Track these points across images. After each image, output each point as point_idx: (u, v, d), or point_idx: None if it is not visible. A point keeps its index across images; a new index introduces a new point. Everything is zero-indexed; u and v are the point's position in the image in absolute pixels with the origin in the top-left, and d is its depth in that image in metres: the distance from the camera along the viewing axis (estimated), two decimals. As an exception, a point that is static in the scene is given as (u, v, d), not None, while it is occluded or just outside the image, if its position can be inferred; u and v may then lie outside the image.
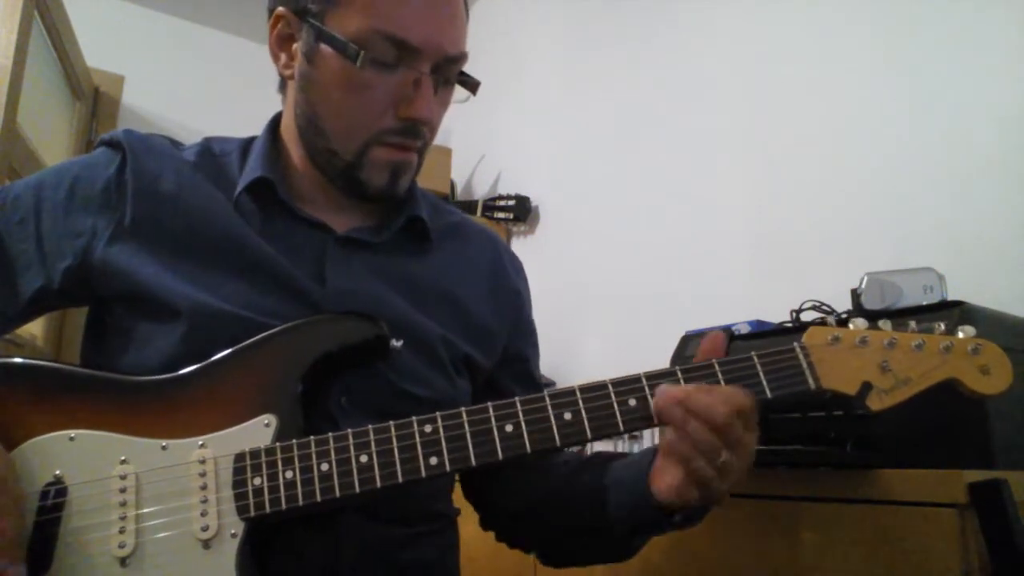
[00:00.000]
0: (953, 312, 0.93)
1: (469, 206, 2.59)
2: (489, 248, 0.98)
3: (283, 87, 0.89)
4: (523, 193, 2.52)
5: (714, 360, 0.72)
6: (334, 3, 0.78)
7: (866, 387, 0.71)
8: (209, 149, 0.88)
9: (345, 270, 0.82)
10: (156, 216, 0.80)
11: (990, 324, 0.93)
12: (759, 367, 0.72)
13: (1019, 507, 0.75)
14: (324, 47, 0.78)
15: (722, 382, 0.71)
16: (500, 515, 0.92)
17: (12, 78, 1.69)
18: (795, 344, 0.73)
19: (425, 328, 0.84)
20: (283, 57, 0.84)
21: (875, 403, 0.71)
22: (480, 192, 2.84)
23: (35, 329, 2.33)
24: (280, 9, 0.83)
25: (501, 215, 2.51)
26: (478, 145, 2.85)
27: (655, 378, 0.71)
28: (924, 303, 1.04)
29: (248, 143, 0.90)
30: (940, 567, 0.78)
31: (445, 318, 0.87)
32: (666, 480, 0.70)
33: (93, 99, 2.76)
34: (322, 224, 0.84)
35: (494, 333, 0.92)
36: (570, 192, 2.42)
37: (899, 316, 1.00)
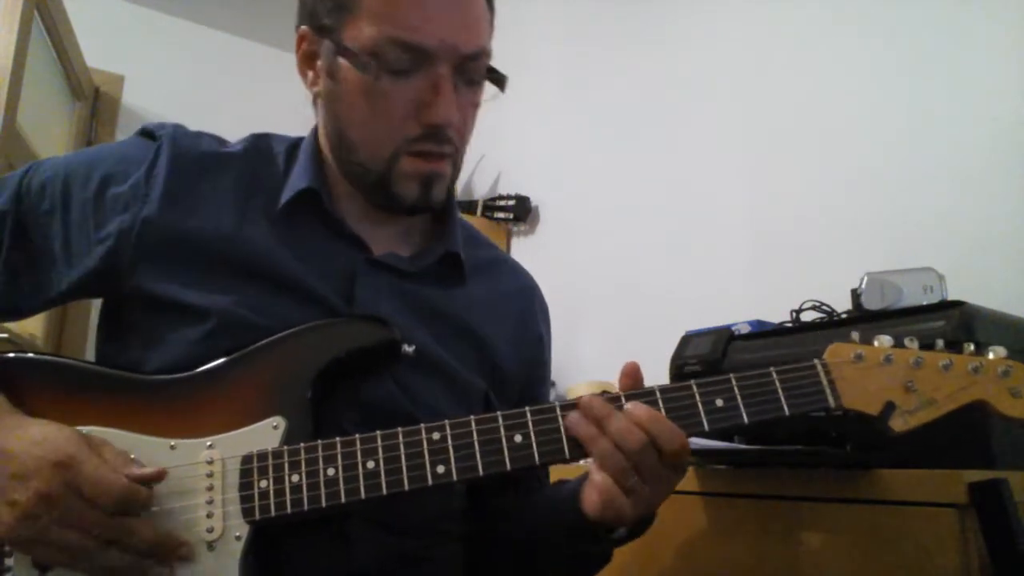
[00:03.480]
0: (953, 312, 0.93)
1: (469, 206, 2.58)
2: (521, 291, 0.97)
3: (316, 102, 0.87)
4: (523, 193, 2.51)
5: (732, 375, 0.70)
6: (346, 16, 0.77)
7: (889, 407, 0.69)
8: (256, 147, 0.87)
9: (373, 296, 0.81)
10: (188, 219, 0.78)
11: (990, 324, 0.93)
12: (777, 383, 0.70)
13: (1019, 507, 0.75)
14: (342, 61, 0.78)
15: (738, 397, 0.69)
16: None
17: (12, 78, 1.69)
18: (815, 360, 0.71)
19: (447, 363, 0.83)
20: (310, 75, 0.84)
21: (898, 424, 0.69)
22: (480, 192, 2.83)
23: (35, 329, 2.32)
24: (303, 28, 0.83)
25: (501, 215, 2.51)
26: (478, 145, 2.83)
27: (667, 391, 0.70)
28: (924, 303, 1.04)
29: (295, 144, 0.89)
30: (940, 567, 0.78)
31: (467, 355, 0.86)
32: (590, 496, 0.69)
33: (93, 99, 2.75)
34: (360, 241, 0.83)
35: (512, 378, 0.91)
36: (570, 192, 2.42)
37: (899, 316, 1.00)
